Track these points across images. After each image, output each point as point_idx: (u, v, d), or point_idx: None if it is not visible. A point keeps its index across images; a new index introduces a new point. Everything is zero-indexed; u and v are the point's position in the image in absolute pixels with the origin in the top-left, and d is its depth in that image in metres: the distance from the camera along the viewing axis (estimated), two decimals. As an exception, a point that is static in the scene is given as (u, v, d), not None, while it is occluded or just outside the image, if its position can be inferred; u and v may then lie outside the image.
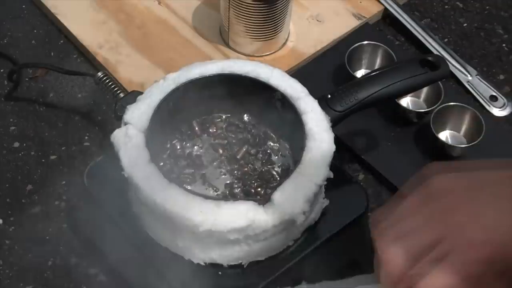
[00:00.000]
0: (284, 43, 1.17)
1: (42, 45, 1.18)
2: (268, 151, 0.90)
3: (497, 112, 1.11)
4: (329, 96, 0.88)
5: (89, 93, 1.13)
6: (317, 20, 1.21)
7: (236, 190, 0.86)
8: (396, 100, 1.06)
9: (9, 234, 0.99)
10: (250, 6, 1.08)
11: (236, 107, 0.92)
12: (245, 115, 0.92)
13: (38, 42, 1.19)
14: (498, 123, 1.12)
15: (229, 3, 1.09)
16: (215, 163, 0.90)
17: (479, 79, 1.12)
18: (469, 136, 1.06)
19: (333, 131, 0.86)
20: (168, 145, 0.90)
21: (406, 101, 1.10)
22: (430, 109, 1.07)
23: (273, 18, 1.10)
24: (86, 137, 1.08)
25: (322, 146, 0.83)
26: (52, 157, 1.06)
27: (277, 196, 0.79)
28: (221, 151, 0.90)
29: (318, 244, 0.86)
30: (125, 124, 0.85)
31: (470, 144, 1.04)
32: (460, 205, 0.60)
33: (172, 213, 0.78)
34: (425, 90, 1.09)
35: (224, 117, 0.93)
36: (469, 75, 1.12)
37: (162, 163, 0.88)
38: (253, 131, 0.92)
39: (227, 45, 1.16)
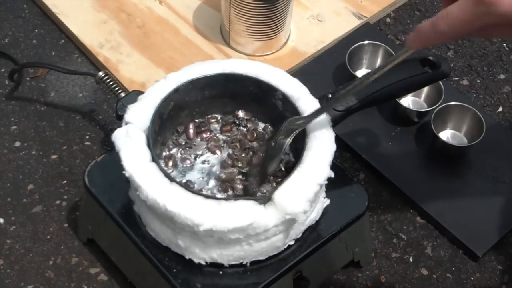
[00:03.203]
0: (285, 43, 1.17)
1: (43, 44, 1.18)
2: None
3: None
4: (330, 95, 0.88)
5: (90, 93, 1.13)
6: (318, 20, 1.21)
7: (238, 188, 0.86)
8: (396, 99, 1.06)
9: (10, 234, 0.99)
10: (251, 5, 1.08)
11: (237, 106, 0.92)
12: (244, 114, 0.92)
13: (39, 42, 1.19)
14: (499, 122, 1.12)
15: (230, 2, 1.09)
16: (216, 162, 0.89)
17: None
18: (469, 135, 1.07)
19: (334, 130, 0.86)
20: (169, 145, 0.90)
21: (406, 101, 1.10)
22: (430, 108, 1.07)
23: (273, 18, 1.10)
24: (87, 137, 1.08)
25: (322, 145, 0.83)
26: (53, 156, 1.06)
27: (278, 195, 0.79)
28: (223, 150, 0.90)
29: (319, 243, 0.86)
30: (126, 123, 0.85)
31: (471, 144, 1.04)
32: None
33: (173, 213, 0.78)
34: (425, 89, 1.09)
35: (219, 117, 0.93)
36: None
37: (163, 163, 0.88)
38: (253, 130, 0.92)
39: (228, 44, 1.16)
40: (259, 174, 0.87)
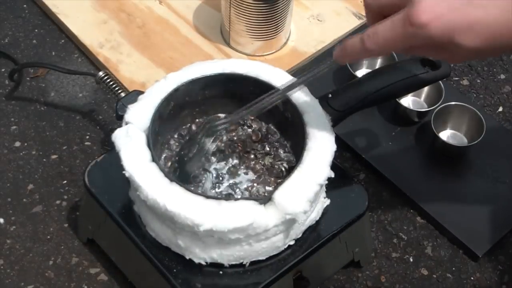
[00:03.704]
0: (285, 43, 1.17)
1: (43, 44, 1.18)
2: (274, 148, 0.90)
3: None
4: (330, 95, 0.88)
5: (90, 93, 1.13)
6: (318, 20, 1.21)
7: (240, 187, 0.86)
8: (397, 99, 1.06)
9: (10, 234, 0.99)
10: (251, 5, 1.08)
11: (237, 106, 0.92)
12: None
13: (39, 42, 1.19)
14: (499, 122, 1.12)
15: (230, 2, 1.09)
16: (217, 161, 0.89)
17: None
18: (469, 135, 1.07)
19: (334, 130, 0.86)
20: (170, 144, 0.90)
21: (407, 101, 1.10)
22: (430, 108, 1.07)
23: (274, 18, 1.10)
24: (87, 137, 1.08)
25: (323, 145, 0.83)
26: (53, 156, 1.06)
27: (278, 195, 0.79)
28: (225, 149, 0.90)
29: (319, 244, 0.86)
30: (126, 123, 0.85)
31: (471, 144, 1.04)
32: None
33: (173, 213, 0.78)
34: (426, 89, 1.09)
35: (222, 116, 0.93)
36: None
37: (163, 163, 0.88)
38: (258, 130, 0.92)
39: (228, 44, 1.16)
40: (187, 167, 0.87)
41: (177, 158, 0.87)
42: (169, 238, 0.83)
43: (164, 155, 0.89)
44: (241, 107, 0.84)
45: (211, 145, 0.85)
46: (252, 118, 0.92)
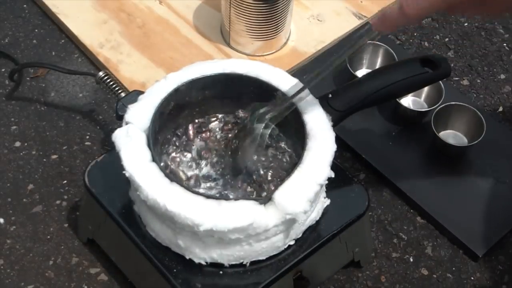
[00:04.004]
0: (285, 43, 1.17)
1: (43, 44, 1.18)
2: (274, 140, 0.90)
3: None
4: (330, 95, 0.88)
5: (90, 93, 1.13)
6: (318, 20, 1.21)
7: (243, 184, 0.86)
8: (397, 99, 1.06)
9: (10, 234, 0.99)
10: (251, 5, 1.08)
11: (237, 106, 0.92)
12: (244, 113, 0.92)
13: (39, 42, 1.19)
14: (499, 122, 1.12)
15: (230, 2, 1.09)
16: (217, 160, 0.90)
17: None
18: (470, 135, 1.07)
19: (334, 130, 0.86)
20: (170, 144, 0.90)
21: (407, 101, 1.10)
22: (431, 108, 1.07)
23: (274, 18, 1.10)
24: (87, 137, 1.08)
25: (323, 145, 0.83)
26: (53, 156, 1.06)
27: (278, 195, 0.79)
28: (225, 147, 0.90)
29: (319, 243, 0.86)
30: (126, 123, 0.85)
31: (471, 144, 1.04)
32: None
33: (173, 213, 0.78)
34: (426, 89, 1.09)
35: (220, 116, 0.93)
36: None
37: (163, 163, 0.88)
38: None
39: (228, 44, 1.16)
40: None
41: (229, 150, 0.88)
42: (169, 238, 0.83)
43: (162, 164, 0.89)
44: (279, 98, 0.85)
45: (264, 132, 0.85)
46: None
